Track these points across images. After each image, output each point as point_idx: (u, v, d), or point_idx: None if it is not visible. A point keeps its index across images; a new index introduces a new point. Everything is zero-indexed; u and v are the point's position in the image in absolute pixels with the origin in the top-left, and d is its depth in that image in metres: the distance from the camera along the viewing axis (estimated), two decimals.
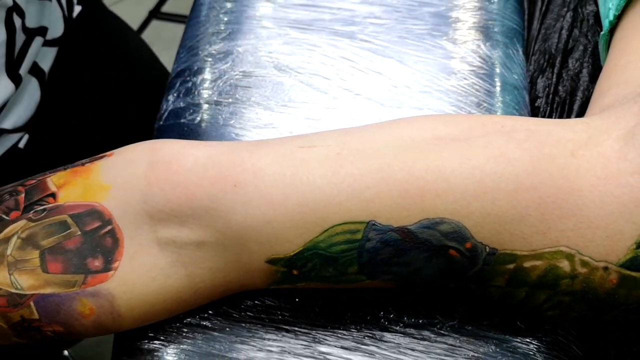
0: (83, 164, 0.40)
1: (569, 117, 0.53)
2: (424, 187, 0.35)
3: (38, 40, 0.56)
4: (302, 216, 0.35)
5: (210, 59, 0.55)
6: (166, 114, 0.52)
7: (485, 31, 0.58)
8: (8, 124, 0.54)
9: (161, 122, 0.52)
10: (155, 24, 1.65)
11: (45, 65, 0.59)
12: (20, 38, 0.53)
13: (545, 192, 0.35)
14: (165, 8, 1.64)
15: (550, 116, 0.53)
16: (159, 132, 0.52)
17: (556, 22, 0.59)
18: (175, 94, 0.53)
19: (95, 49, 0.68)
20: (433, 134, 0.38)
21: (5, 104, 0.52)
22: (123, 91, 0.71)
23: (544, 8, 0.61)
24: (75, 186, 0.38)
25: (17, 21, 0.51)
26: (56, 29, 0.59)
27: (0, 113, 0.53)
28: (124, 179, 0.38)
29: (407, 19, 0.58)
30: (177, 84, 0.54)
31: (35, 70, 0.58)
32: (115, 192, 0.38)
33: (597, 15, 0.59)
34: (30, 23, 0.55)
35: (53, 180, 0.39)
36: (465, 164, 0.36)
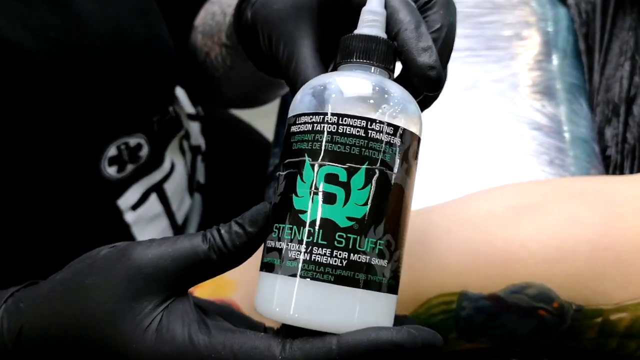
0: None
1: None
2: (507, 256, 0.40)
3: (199, 157, 0.64)
4: (401, 293, 0.40)
5: None
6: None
7: (548, 90, 0.62)
8: None
9: None
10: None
11: (202, 179, 0.66)
12: (188, 158, 0.61)
13: (620, 250, 0.39)
14: None
15: (622, 164, 0.56)
16: None
17: (615, 71, 0.63)
18: (274, 187, 0.60)
19: (225, 153, 0.74)
20: (509, 204, 0.43)
21: (185, 221, 0.60)
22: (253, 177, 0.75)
23: (602, 60, 0.64)
24: (207, 285, 0.45)
25: (185, 144, 0.59)
26: (202, 143, 0.67)
27: (184, 230, 0.60)
28: (247, 274, 0.44)
29: (471, 89, 0.63)
30: (276, 177, 0.61)
31: (198, 187, 0.65)
32: (240, 286, 0.44)
33: None
34: (193, 141, 0.63)
35: None
36: (542, 232, 0.40)
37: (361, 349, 0.28)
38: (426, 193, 0.56)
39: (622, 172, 0.56)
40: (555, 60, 0.65)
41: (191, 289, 0.46)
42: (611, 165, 0.57)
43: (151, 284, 0.30)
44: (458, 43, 0.66)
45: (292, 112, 0.32)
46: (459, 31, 0.67)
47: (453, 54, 0.65)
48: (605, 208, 0.40)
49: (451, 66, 0.65)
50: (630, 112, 0.59)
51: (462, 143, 0.60)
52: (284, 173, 0.31)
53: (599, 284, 0.39)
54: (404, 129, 0.31)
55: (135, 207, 0.52)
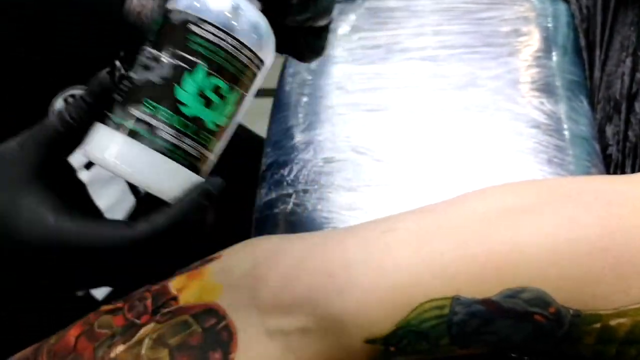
0: (197, 267, 0.45)
1: None
2: (502, 260, 0.38)
3: None
4: (392, 298, 0.39)
5: (294, 151, 0.60)
6: (262, 205, 0.58)
7: (547, 88, 0.60)
8: None
9: (258, 214, 0.57)
10: None
11: None
12: None
13: (620, 251, 0.37)
14: None
15: (623, 163, 0.55)
16: (257, 223, 0.57)
17: (617, 68, 0.61)
18: (267, 187, 0.59)
19: None
20: (503, 205, 0.41)
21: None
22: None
23: (602, 56, 0.63)
24: (192, 289, 0.44)
25: None
26: None
27: (147, 198, 0.58)
28: (233, 278, 0.43)
29: (468, 87, 0.62)
30: (268, 177, 0.60)
31: None
32: (226, 290, 0.43)
33: None
34: None
35: (173, 285, 0.45)
36: (538, 234, 0.38)
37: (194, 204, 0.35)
38: (422, 191, 0.55)
39: (623, 171, 0.54)
40: (555, 56, 0.63)
41: (178, 293, 0.44)
42: (612, 164, 0.55)
43: (20, 167, 0.33)
44: (455, 39, 0.65)
45: (196, 11, 0.35)
46: (456, 27, 0.66)
47: (450, 51, 0.64)
48: (604, 209, 0.39)
49: (448, 63, 0.64)
50: (632, 110, 0.57)
51: (459, 141, 0.58)
52: (170, 60, 0.35)
53: (598, 287, 0.37)
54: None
55: (88, 166, 0.51)
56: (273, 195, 0.58)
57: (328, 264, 0.41)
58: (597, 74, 0.62)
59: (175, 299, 0.44)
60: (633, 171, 0.54)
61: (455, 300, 0.38)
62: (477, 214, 0.41)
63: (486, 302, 0.38)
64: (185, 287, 0.44)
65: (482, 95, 0.60)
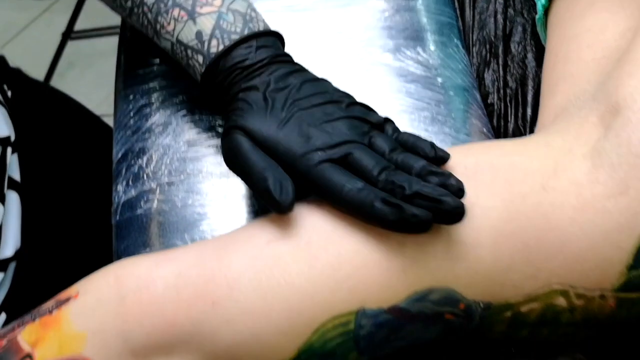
0: (50, 312, 0.38)
1: (524, 109, 0.51)
2: (405, 262, 0.34)
3: (9, 149, 0.53)
4: (289, 322, 0.34)
5: (151, 136, 0.52)
6: (120, 207, 0.50)
7: (419, 34, 0.56)
8: (8, 251, 0.52)
9: (117, 217, 0.50)
10: (71, 44, 1.51)
11: (16, 175, 0.56)
12: None
13: (526, 235, 0.34)
14: (78, 26, 1.49)
15: (505, 113, 0.52)
16: (118, 228, 0.49)
17: (489, 4, 0.58)
18: (124, 182, 0.51)
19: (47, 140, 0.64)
20: None
21: None
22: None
23: None
24: (50, 341, 0.36)
25: None
26: (11, 133, 0.56)
27: None
28: (98, 322, 0.36)
29: (342, 35, 0.56)
30: (123, 170, 0.51)
31: (11, 183, 0.55)
32: (92, 337, 0.36)
33: None
34: None
35: (24, 338, 0.37)
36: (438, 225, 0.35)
37: None
38: None
39: (506, 121, 0.52)
40: None
41: (33, 348, 0.37)
42: (495, 114, 0.52)
43: None
44: None
45: None
46: None
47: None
48: (505, 188, 0.36)
49: (311, 15, 0.58)
50: (509, 52, 0.54)
51: None
52: None
53: (507, 276, 0.34)
54: None
55: None
56: (132, 192, 0.50)
57: (210, 288, 0.35)
58: (468, 12, 0.58)
59: (30, 356, 0.36)
60: (516, 120, 0.51)
61: (361, 313, 0.34)
62: None
63: (393, 309, 0.34)
64: (41, 340, 0.36)
65: (356, 44, 0.55)
